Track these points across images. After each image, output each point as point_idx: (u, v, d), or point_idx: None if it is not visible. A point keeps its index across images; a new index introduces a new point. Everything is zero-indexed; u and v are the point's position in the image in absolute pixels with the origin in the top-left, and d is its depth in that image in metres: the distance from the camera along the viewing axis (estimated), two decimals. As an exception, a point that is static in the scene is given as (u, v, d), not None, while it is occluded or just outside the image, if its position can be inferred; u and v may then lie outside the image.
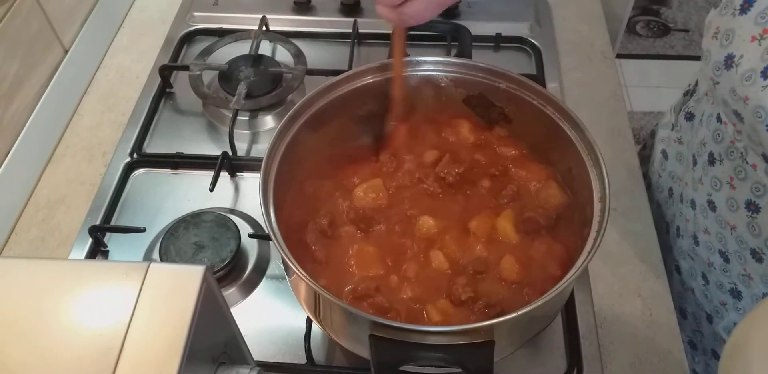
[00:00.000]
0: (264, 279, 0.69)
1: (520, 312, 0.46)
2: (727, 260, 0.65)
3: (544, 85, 0.85)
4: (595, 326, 0.65)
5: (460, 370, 0.47)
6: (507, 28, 0.91)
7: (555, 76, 0.87)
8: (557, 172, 0.62)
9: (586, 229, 0.52)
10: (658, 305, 0.68)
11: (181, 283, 0.34)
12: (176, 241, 0.68)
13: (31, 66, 0.80)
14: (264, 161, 0.55)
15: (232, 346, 0.40)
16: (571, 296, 0.66)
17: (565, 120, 0.58)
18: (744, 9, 0.52)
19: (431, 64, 0.63)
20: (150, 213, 0.74)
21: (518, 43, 0.91)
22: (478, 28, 0.90)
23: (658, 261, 0.71)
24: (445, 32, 0.86)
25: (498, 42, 0.91)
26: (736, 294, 0.67)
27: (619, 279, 0.70)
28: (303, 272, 0.48)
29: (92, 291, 0.34)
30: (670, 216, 0.78)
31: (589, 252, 0.49)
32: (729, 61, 0.52)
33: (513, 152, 0.64)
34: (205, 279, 0.34)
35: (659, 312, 0.67)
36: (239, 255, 0.69)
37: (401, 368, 0.46)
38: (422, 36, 0.86)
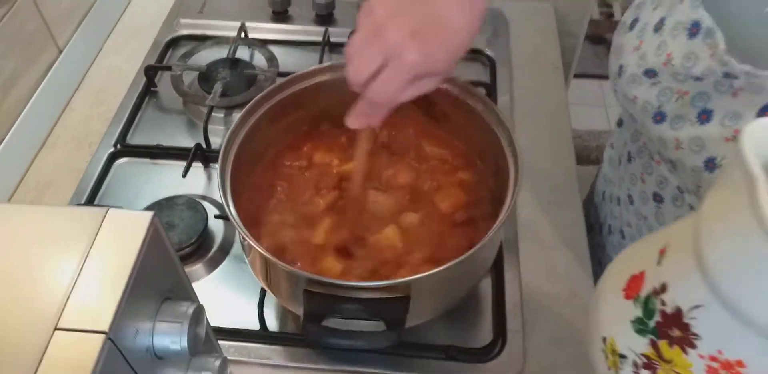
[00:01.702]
0: (227, 258, 0.77)
1: (432, 271, 0.54)
2: None
3: (494, 92, 0.93)
4: (521, 303, 0.73)
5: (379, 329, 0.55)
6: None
7: (506, 85, 0.95)
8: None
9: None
10: (582, 288, 0.75)
11: (132, 226, 0.42)
12: (150, 220, 0.75)
13: (27, 63, 0.88)
14: (222, 148, 0.63)
15: (179, 287, 0.47)
16: (501, 273, 0.74)
17: (489, 113, 0.66)
18: (631, 27, 0.61)
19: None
20: (129, 198, 0.82)
21: (477, 54, 0.99)
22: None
23: (584, 249, 0.79)
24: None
25: (458, 53, 0.99)
26: None
27: (547, 264, 0.77)
28: (249, 235, 0.56)
29: (55, 232, 0.42)
30: (603, 216, 0.86)
31: (500, 220, 0.57)
32: (620, 70, 0.61)
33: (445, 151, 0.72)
34: (152, 223, 0.42)
35: (583, 295, 0.75)
36: (206, 235, 0.76)
37: (328, 321, 0.54)
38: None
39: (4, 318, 0.38)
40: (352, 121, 0.56)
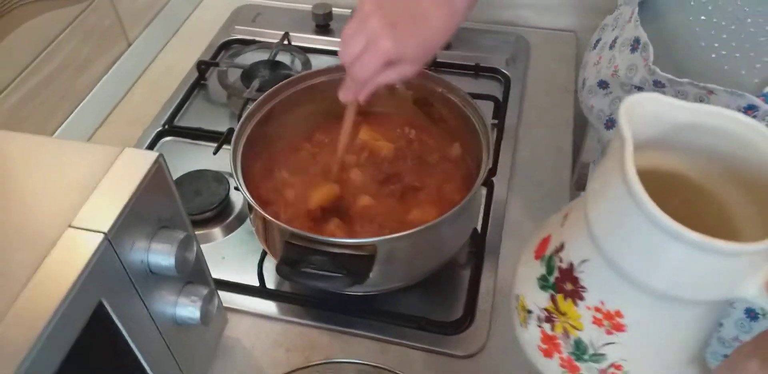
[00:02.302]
0: (242, 226, 0.88)
1: (395, 235, 0.63)
2: None
3: (504, 107, 1.02)
4: (494, 289, 0.81)
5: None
6: (486, 60, 1.09)
7: (517, 102, 1.04)
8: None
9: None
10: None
11: (141, 160, 0.53)
12: (180, 187, 0.87)
13: (99, 52, 1.03)
14: (237, 129, 0.74)
15: (177, 219, 0.58)
16: (481, 262, 0.82)
17: (477, 118, 0.75)
18: (594, 46, 0.69)
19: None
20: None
21: (493, 72, 1.09)
22: (463, 58, 1.09)
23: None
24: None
25: (477, 70, 1.09)
26: None
27: (523, 258, 0.85)
28: (249, 195, 0.66)
29: (84, 160, 0.53)
30: None
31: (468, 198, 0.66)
32: (582, 83, 0.69)
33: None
34: (157, 161, 0.53)
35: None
36: (225, 203, 0.88)
37: (301, 271, 0.64)
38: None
39: (29, 213, 0.49)
40: (342, 95, 0.67)
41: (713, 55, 0.53)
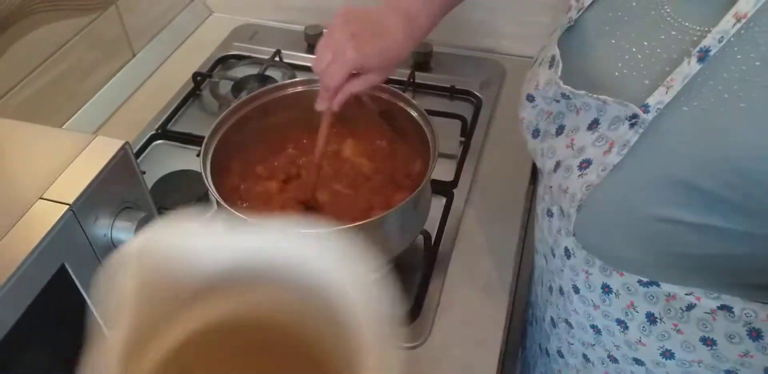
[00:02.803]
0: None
1: (350, 225, 0.70)
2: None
3: (474, 127, 1.09)
4: (441, 289, 0.87)
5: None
6: (462, 83, 1.17)
7: (485, 123, 1.11)
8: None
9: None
10: (496, 285, 0.89)
11: (110, 147, 0.61)
12: (163, 184, 0.96)
13: (105, 60, 1.12)
14: (206, 139, 0.82)
15: (141, 201, 0.66)
16: (432, 264, 0.89)
17: (428, 128, 0.83)
18: (533, 64, 0.76)
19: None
20: (156, 168, 1.02)
21: (467, 95, 1.16)
22: (441, 80, 1.18)
23: (510, 258, 0.92)
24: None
25: (452, 92, 1.16)
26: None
27: (474, 266, 0.91)
28: (212, 184, 0.74)
29: (62, 143, 0.61)
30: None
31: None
32: (520, 98, 0.76)
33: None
34: (123, 148, 0.61)
35: (496, 291, 0.88)
36: (204, 200, 0.96)
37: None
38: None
39: (7, 187, 0.57)
40: (317, 104, 0.76)
41: (617, 73, 0.61)
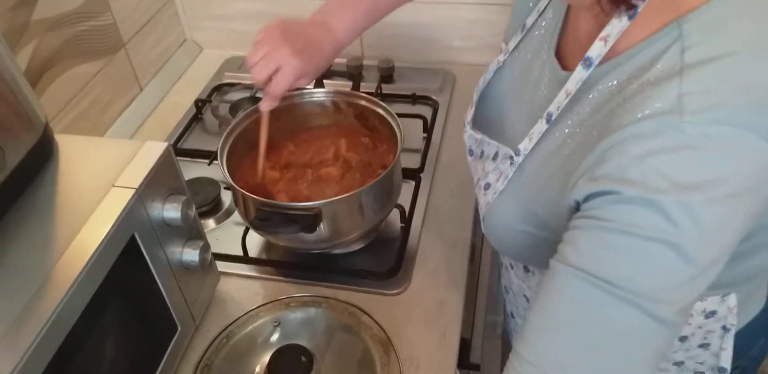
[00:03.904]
0: (230, 218, 1.17)
1: (329, 200, 0.92)
2: None
3: (432, 124, 1.32)
4: (416, 250, 1.09)
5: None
6: (421, 90, 1.40)
7: (442, 122, 1.34)
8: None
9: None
10: (459, 247, 1.11)
11: (157, 148, 0.82)
12: (183, 189, 1.17)
13: (119, 95, 1.34)
14: (222, 142, 1.04)
15: (181, 188, 0.86)
16: (407, 232, 1.10)
17: (394, 123, 1.05)
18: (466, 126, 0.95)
19: (335, 93, 1.13)
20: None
21: (426, 99, 1.39)
22: (404, 89, 1.41)
23: (469, 225, 1.14)
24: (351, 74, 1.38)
25: (414, 98, 1.39)
26: None
27: (441, 230, 1.13)
28: (229, 175, 0.96)
29: (120, 148, 0.83)
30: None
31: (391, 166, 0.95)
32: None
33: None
34: (167, 149, 0.82)
35: (458, 250, 1.10)
36: (217, 201, 1.17)
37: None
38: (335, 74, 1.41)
39: (90, 178, 0.78)
40: (263, 107, 0.95)
41: (508, 121, 0.80)
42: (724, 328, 0.80)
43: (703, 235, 0.55)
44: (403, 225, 1.12)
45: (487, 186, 0.79)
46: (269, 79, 0.90)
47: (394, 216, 1.12)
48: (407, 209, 1.14)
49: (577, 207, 0.62)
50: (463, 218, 1.15)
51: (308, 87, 1.10)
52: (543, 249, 0.67)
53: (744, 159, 0.54)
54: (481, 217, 0.82)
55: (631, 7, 0.60)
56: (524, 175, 0.73)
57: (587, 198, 0.60)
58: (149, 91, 1.42)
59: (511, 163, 0.75)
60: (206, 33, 1.59)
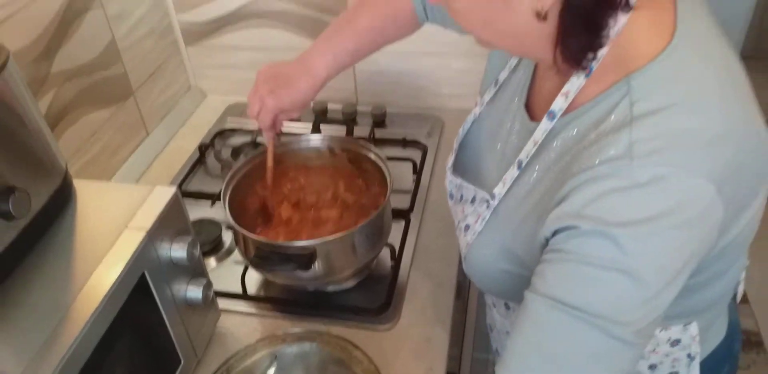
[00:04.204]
0: (230, 257, 1.24)
1: (323, 239, 0.99)
2: None
3: (422, 167, 1.40)
4: (405, 287, 1.16)
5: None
6: (411, 135, 1.49)
7: (431, 165, 1.42)
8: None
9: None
10: (446, 285, 1.17)
11: (166, 192, 0.90)
12: (187, 229, 1.24)
13: (127, 139, 1.42)
14: (224, 184, 1.12)
15: (187, 230, 0.94)
16: (397, 270, 1.17)
17: (384, 167, 1.13)
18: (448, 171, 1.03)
19: (330, 138, 1.21)
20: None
21: (416, 143, 1.48)
22: (395, 133, 1.49)
23: (455, 264, 1.21)
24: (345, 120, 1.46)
25: (404, 142, 1.48)
26: None
27: (429, 269, 1.20)
28: (231, 217, 1.03)
29: (133, 192, 0.90)
30: None
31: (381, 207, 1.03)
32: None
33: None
34: (176, 193, 0.90)
35: (445, 288, 1.17)
36: (218, 240, 1.24)
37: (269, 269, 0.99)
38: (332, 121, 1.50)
39: (105, 221, 0.86)
40: (265, 137, 1.07)
41: (486, 167, 0.88)
42: (689, 356, 0.86)
43: (652, 262, 0.63)
44: (393, 263, 1.19)
45: (467, 227, 0.86)
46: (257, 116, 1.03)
47: (385, 254, 1.20)
48: (397, 248, 1.21)
49: (546, 243, 0.70)
50: (450, 257, 1.22)
51: (306, 133, 1.20)
52: (521, 286, 0.74)
53: (685, 194, 0.62)
54: (462, 257, 0.89)
55: (585, 67, 0.69)
56: (500, 216, 0.81)
57: (554, 234, 0.68)
58: (156, 136, 1.51)
59: (488, 206, 0.82)
60: (210, 80, 1.69)
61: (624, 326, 0.63)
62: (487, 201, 0.82)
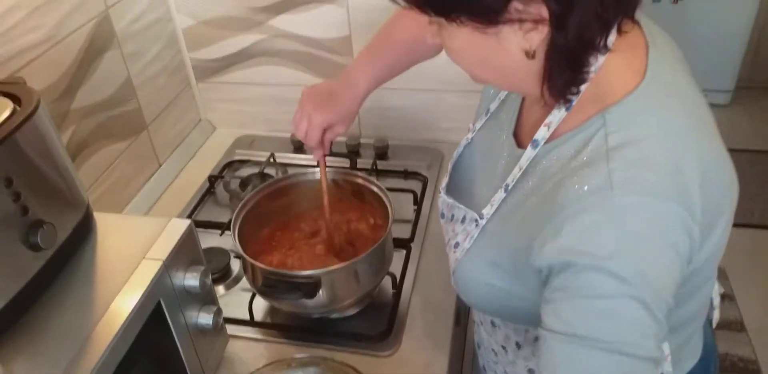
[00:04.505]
0: (238, 284, 1.29)
1: (326, 269, 1.05)
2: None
3: (422, 198, 1.46)
4: (406, 314, 1.21)
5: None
6: (412, 166, 1.55)
7: (431, 194, 1.48)
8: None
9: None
10: (445, 313, 1.22)
11: (181, 225, 0.96)
12: (197, 258, 1.30)
13: (139, 171, 1.49)
14: (234, 215, 1.18)
15: (200, 260, 1.00)
16: (398, 297, 1.22)
17: (385, 199, 1.19)
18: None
19: (334, 172, 1.27)
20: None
21: (417, 175, 1.54)
22: (397, 165, 1.55)
23: (454, 293, 1.26)
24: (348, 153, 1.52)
25: (406, 174, 1.54)
26: None
27: (429, 297, 1.25)
28: (239, 245, 1.09)
29: (150, 224, 0.96)
30: None
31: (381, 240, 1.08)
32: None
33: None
34: (190, 225, 0.96)
35: (444, 316, 1.22)
36: (227, 268, 1.30)
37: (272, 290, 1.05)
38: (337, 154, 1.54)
39: (124, 252, 0.92)
40: (315, 156, 1.12)
41: (476, 189, 0.94)
42: None
43: (652, 284, 0.68)
44: (394, 291, 1.25)
45: (456, 245, 0.92)
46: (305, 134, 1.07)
47: (387, 282, 1.25)
48: (398, 276, 1.27)
49: (540, 271, 0.75)
50: (449, 285, 1.26)
51: (311, 169, 1.26)
52: (505, 301, 0.80)
53: (665, 221, 0.68)
54: (451, 272, 0.94)
55: (567, 101, 0.76)
56: (487, 234, 0.86)
57: (552, 269, 0.72)
58: (167, 168, 1.58)
59: (476, 225, 0.87)
60: (219, 114, 1.76)
61: (648, 342, 0.68)
62: (476, 221, 0.88)
